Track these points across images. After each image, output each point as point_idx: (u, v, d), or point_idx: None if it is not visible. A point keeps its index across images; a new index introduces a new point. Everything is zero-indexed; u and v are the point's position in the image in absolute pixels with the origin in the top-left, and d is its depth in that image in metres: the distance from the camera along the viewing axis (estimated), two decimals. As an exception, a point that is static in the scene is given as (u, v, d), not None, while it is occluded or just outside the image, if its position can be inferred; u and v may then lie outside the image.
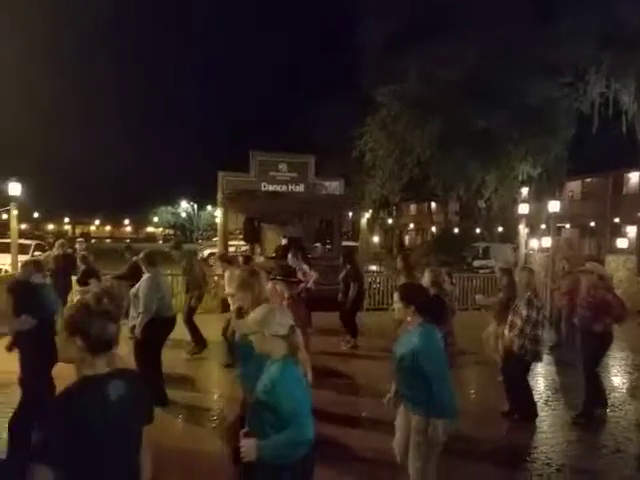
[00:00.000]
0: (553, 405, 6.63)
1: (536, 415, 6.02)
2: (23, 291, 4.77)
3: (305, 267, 9.18)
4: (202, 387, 6.98)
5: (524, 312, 5.63)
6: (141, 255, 6.38)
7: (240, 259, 9.24)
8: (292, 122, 43.82)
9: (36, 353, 4.42)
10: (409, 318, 3.61)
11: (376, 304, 13.42)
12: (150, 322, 5.90)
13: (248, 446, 2.60)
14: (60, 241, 10.86)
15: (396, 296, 3.70)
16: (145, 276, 6.16)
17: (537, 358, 5.85)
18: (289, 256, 9.04)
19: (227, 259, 8.97)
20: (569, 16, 21.11)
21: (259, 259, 11.37)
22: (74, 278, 9.89)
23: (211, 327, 8.76)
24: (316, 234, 16.10)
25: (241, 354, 3.52)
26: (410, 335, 3.58)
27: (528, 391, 6.14)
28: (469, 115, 22.49)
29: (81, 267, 7.97)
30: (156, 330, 5.99)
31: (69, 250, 10.58)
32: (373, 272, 17.20)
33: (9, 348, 4.69)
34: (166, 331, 6.29)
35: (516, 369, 5.91)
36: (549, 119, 22.18)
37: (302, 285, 8.68)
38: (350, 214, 37.62)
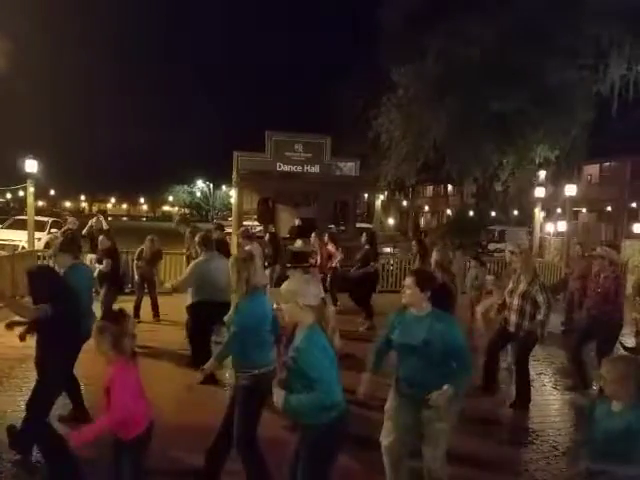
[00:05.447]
0: (561, 390, 6.65)
1: (529, 401, 5.84)
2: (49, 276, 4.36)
3: (331, 248, 9.29)
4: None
5: (540, 298, 5.55)
6: (197, 238, 6.53)
7: None
8: (309, 102, 43.64)
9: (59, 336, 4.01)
10: (424, 304, 3.50)
11: (389, 286, 13.45)
12: (201, 304, 6.05)
13: (277, 395, 2.88)
14: (71, 218, 11.02)
15: (409, 280, 3.55)
16: (199, 257, 6.31)
17: (542, 341, 5.84)
18: (312, 236, 9.11)
19: (248, 235, 9.02)
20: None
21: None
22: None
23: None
24: (330, 215, 16.14)
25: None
26: (424, 320, 3.48)
27: (528, 376, 5.99)
28: (487, 96, 22.16)
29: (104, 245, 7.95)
30: (206, 313, 6.09)
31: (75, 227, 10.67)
32: (387, 254, 17.16)
33: (21, 337, 4.29)
34: (216, 314, 6.25)
35: (522, 354, 5.88)
36: (567, 101, 21.80)
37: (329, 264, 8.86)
38: (365, 196, 37.42)
